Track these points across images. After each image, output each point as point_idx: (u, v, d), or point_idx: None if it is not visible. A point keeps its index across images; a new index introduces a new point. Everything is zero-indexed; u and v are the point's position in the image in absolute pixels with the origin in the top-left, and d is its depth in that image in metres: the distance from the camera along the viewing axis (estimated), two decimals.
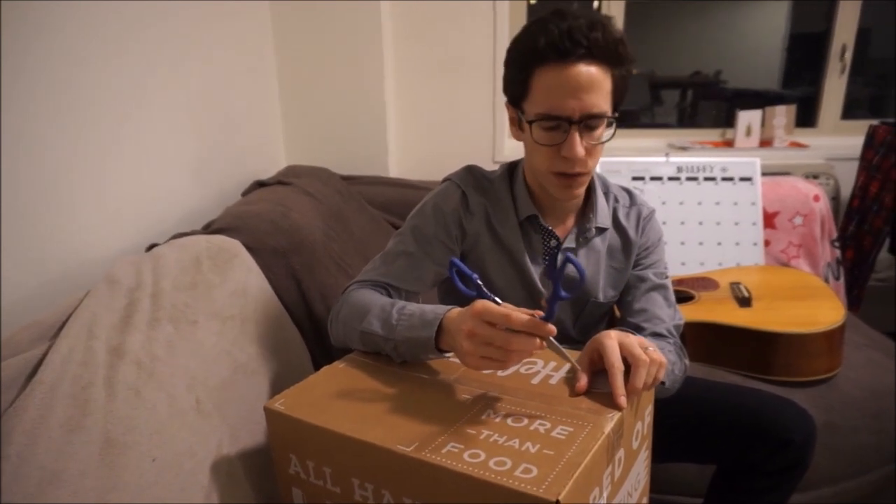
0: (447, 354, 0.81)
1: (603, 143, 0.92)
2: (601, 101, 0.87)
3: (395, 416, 0.72)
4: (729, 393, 1.09)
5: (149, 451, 0.78)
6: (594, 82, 0.86)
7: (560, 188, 0.95)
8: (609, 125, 0.91)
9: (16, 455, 0.65)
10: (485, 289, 0.74)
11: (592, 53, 0.85)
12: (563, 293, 0.70)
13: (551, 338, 0.70)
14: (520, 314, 0.68)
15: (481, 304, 0.71)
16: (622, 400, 0.70)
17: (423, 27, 2.07)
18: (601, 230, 1.05)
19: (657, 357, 0.74)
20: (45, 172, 0.98)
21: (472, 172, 1.06)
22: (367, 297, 0.91)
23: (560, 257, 1.02)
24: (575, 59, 0.85)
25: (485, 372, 0.81)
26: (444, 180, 1.06)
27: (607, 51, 0.86)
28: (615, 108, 0.92)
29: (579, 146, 0.88)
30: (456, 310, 0.79)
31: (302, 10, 1.92)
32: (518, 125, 0.97)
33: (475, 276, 0.75)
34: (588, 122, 0.88)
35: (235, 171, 1.67)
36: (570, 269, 1.03)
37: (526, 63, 0.89)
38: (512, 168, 1.07)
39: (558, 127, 0.89)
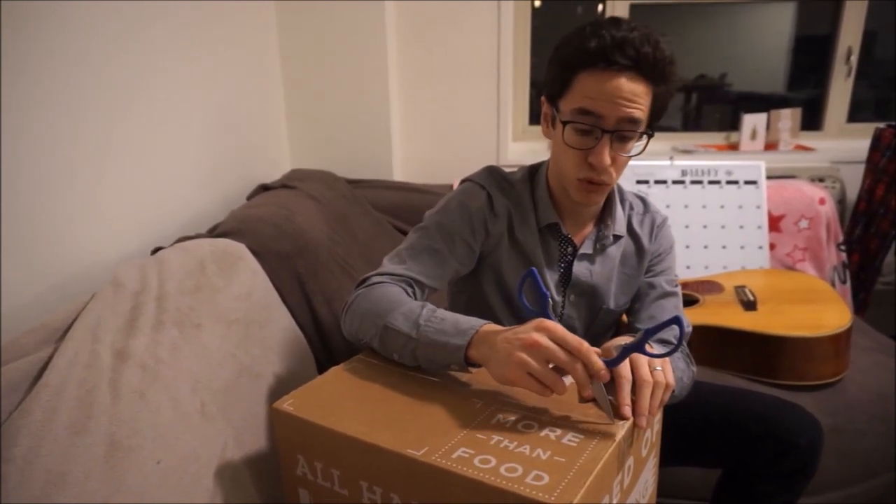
0: (470, 368, 0.80)
1: (631, 156, 0.91)
2: (638, 112, 0.87)
3: (404, 419, 0.71)
4: (734, 397, 1.08)
5: (153, 454, 0.77)
6: (635, 95, 0.86)
7: (581, 193, 0.94)
8: (640, 138, 0.91)
9: (21, 457, 0.65)
10: (552, 312, 0.73)
11: (639, 68, 0.84)
12: (646, 350, 0.72)
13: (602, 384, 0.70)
14: (591, 350, 0.69)
15: (551, 322, 0.71)
16: (627, 410, 0.69)
17: (428, 31, 2.07)
18: (617, 238, 1.05)
19: (662, 379, 0.73)
20: (50, 175, 0.98)
21: (492, 174, 1.04)
22: (393, 293, 0.89)
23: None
24: (620, 69, 0.84)
25: None
26: (464, 181, 1.05)
27: (654, 68, 0.85)
28: (650, 124, 0.91)
29: (606, 155, 0.88)
30: (492, 324, 0.78)
31: (307, 14, 1.93)
32: (551, 123, 0.96)
33: (548, 293, 0.74)
34: (620, 133, 0.88)
35: (240, 175, 1.67)
36: (582, 273, 1.03)
37: (572, 63, 0.88)
38: (533, 171, 1.06)
39: (590, 132, 0.89)
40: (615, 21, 0.86)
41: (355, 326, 0.90)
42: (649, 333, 0.71)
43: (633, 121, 0.87)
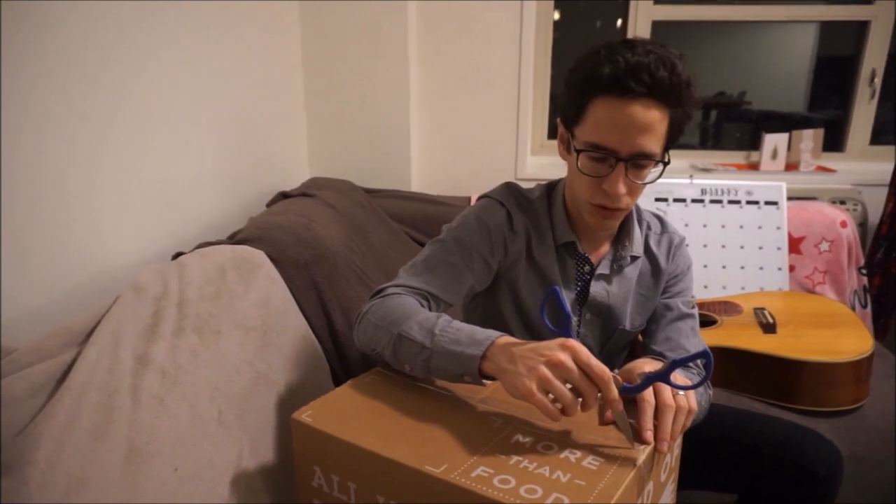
0: (483, 381, 0.78)
1: (647, 183, 0.90)
2: (653, 143, 0.85)
3: (423, 435, 0.71)
4: (753, 421, 1.07)
5: (171, 461, 0.78)
6: (650, 124, 0.84)
7: (595, 218, 0.94)
8: (657, 165, 0.89)
9: (43, 461, 0.66)
10: (574, 332, 0.73)
11: (654, 93, 0.82)
12: (671, 380, 0.71)
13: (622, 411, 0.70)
14: (612, 380, 0.68)
15: (578, 344, 0.70)
16: (649, 435, 0.69)
17: (449, 43, 2.08)
18: (634, 258, 1.04)
19: (685, 404, 0.72)
20: (73, 180, 0.99)
21: (511, 191, 1.04)
22: (408, 304, 0.88)
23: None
24: (635, 96, 0.82)
25: None
26: (482, 197, 1.04)
27: (670, 92, 0.83)
28: (667, 147, 0.90)
29: (621, 184, 0.87)
30: (509, 337, 0.77)
31: (329, 24, 1.95)
32: (566, 147, 0.95)
33: (570, 313, 0.74)
34: (636, 162, 0.87)
35: (260, 182, 1.69)
36: (599, 293, 1.03)
37: (585, 90, 0.86)
38: (551, 189, 1.06)
39: (605, 160, 0.87)
40: (629, 44, 0.84)
41: (368, 335, 0.89)
42: (675, 364, 0.71)
43: (647, 155, 0.86)
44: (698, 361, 1.00)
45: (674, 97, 0.84)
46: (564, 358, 0.68)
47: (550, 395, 0.68)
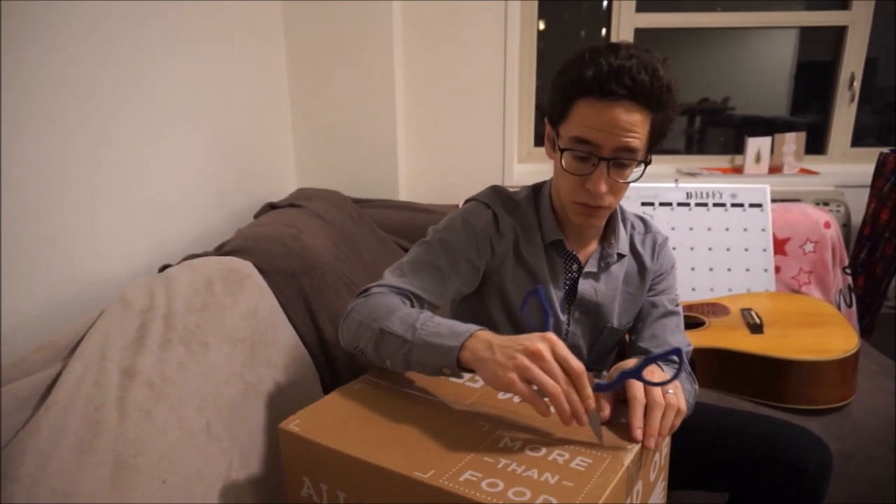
0: (463, 373, 0.78)
1: (629, 182, 0.92)
2: (634, 142, 0.87)
3: (411, 441, 0.71)
4: (742, 420, 1.07)
5: (159, 474, 0.77)
6: (632, 125, 0.86)
7: (579, 216, 0.95)
8: (639, 165, 0.91)
9: (28, 476, 0.65)
10: (551, 329, 0.74)
11: (635, 96, 0.84)
12: (643, 377, 0.72)
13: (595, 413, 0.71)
14: (586, 376, 0.69)
15: (557, 338, 0.71)
16: (638, 433, 0.69)
17: (434, 52, 2.10)
18: (620, 256, 1.06)
19: (674, 402, 0.73)
20: (59, 194, 0.99)
21: (497, 193, 1.05)
22: (393, 301, 0.89)
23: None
24: (616, 98, 0.84)
25: (500, 396, 0.80)
26: (469, 200, 1.05)
27: (651, 96, 0.85)
28: (649, 149, 0.92)
29: (603, 183, 0.89)
30: (488, 331, 0.78)
31: (315, 36, 1.96)
32: (553, 146, 0.97)
33: (551, 313, 0.75)
34: (618, 160, 0.88)
35: (248, 194, 1.69)
36: (587, 291, 1.04)
37: (570, 91, 0.88)
38: (537, 190, 1.07)
39: (587, 159, 0.89)
40: (614, 47, 0.86)
41: (352, 333, 0.90)
42: (648, 361, 0.72)
43: (630, 150, 0.87)
44: (676, 357, 1.01)
45: (655, 101, 0.86)
46: (542, 347, 0.69)
47: (534, 387, 0.69)
